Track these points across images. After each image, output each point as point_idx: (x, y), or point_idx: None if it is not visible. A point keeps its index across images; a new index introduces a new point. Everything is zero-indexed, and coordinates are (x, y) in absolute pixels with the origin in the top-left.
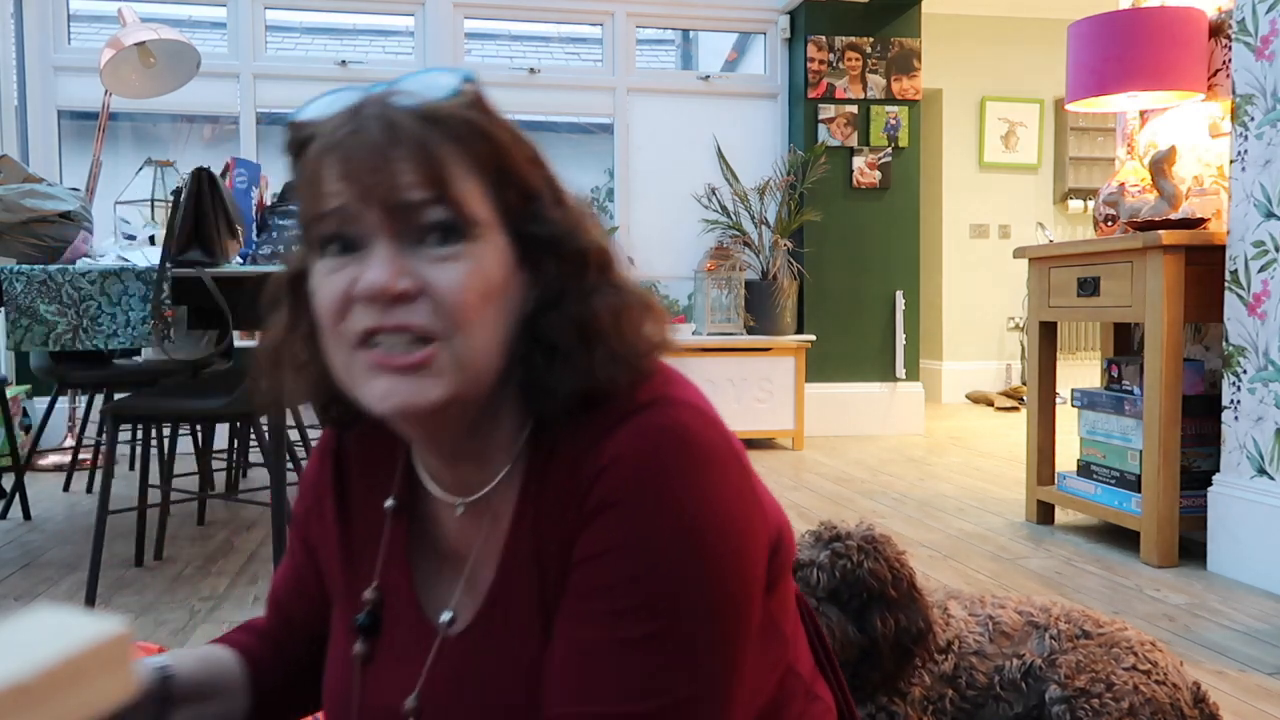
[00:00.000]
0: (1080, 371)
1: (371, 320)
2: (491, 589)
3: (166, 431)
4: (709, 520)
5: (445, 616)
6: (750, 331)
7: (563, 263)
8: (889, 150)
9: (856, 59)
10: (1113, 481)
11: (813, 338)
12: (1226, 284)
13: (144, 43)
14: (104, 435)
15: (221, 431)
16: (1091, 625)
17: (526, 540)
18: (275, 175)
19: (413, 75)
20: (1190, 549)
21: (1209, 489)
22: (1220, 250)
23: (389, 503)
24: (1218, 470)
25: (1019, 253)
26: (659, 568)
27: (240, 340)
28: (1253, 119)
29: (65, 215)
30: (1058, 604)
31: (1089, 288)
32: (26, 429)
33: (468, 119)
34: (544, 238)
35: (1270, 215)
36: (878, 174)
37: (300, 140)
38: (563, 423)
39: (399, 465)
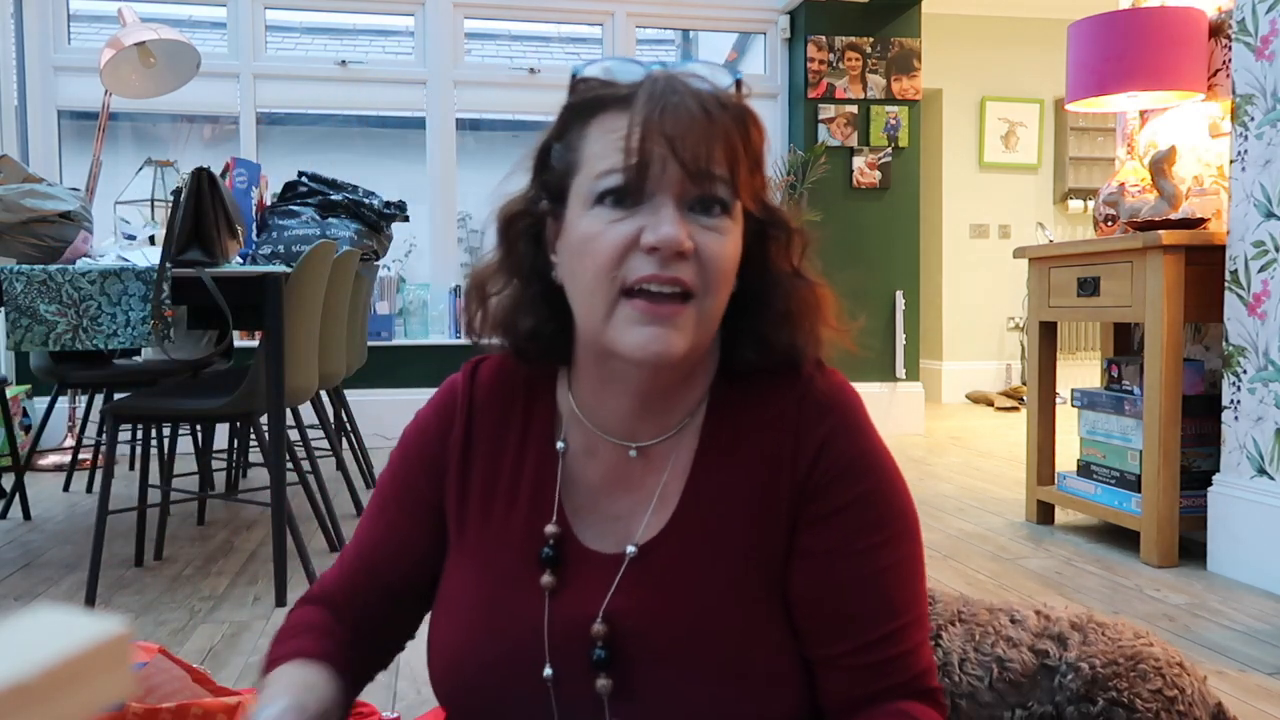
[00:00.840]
0: (1080, 371)
1: (651, 269)
2: (674, 522)
3: (166, 431)
4: (896, 467)
5: (630, 549)
6: None
7: (779, 245)
8: (889, 150)
9: (856, 59)
10: (1113, 481)
11: None
12: (1226, 284)
13: (144, 43)
14: (104, 435)
15: (221, 431)
16: (1110, 643)
17: (712, 479)
18: (275, 175)
19: (694, 62)
20: (1190, 549)
21: (1209, 489)
22: (1220, 250)
23: (560, 444)
24: (1218, 470)
25: (1019, 253)
26: (893, 506)
27: (240, 340)
28: (1253, 119)
29: (65, 215)
30: (1077, 627)
31: (1089, 288)
32: (26, 429)
33: (750, 112)
34: (769, 222)
35: (1270, 215)
36: (878, 174)
37: (604, 97)
38: (746, 384)
39: (551, 410)
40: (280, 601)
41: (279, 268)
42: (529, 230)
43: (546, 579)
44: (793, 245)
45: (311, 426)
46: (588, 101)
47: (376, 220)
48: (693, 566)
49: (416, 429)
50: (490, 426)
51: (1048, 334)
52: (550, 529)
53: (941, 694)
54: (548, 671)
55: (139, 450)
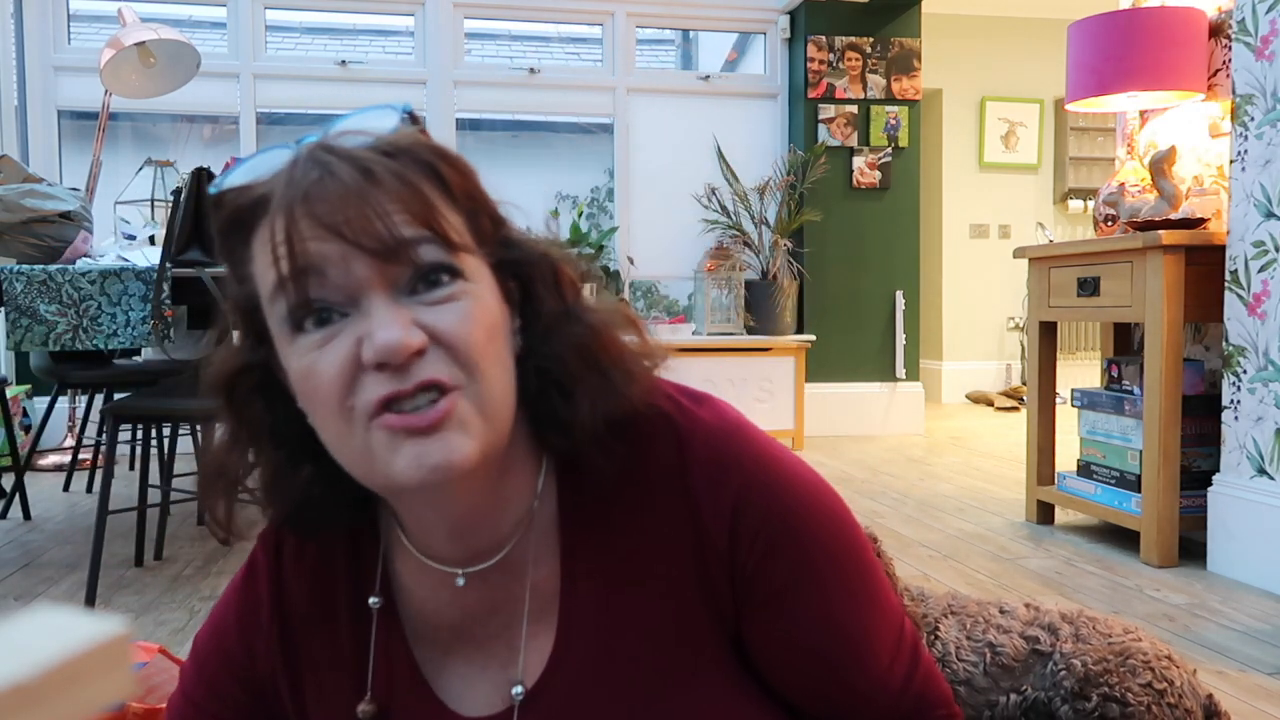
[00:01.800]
0: (1080, 371)
1: (389, 387)
2: (559, 650)
3: (166, 431)
4: (819, 490)
5: (516, 690)
6: (750, 331)
7: (544, 287)
8: (889, 150)
9: (856, 59)
10: (1113, 481)
11: (813, 338)
12: (1226, 284)
13: (144, 43)
14: (104, 435)
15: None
16: (1101, 638)
17: (592, 588)
18: None
19: (348, 116)
20: (1190, 549)
21: (1209, 489)
22: (1220, 250)
23: (374, 600)
24: (1218, 470)
25: (1019, 253)
26: (838, 546)
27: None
28: (1253, 119)
29: (65, 215)
30: (1067, 619)
31: (1089, 288)
32: (26, 429)
33: (431, 148)
34: (521, 263)
35: (1270, 215)
36: (878, 174)
37: (244, 207)
38: (598, 464)
39: (371, 558)
40: None
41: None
42: (254, 386)
43: None
44: (561, 281)
45: None
46: (232, 218)
47: None
48: (602, 697)
49: (216, 640)
50: (306, 604)
51: (1048, 334)
52: (362, 708)
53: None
54: None
55: (139, 450)
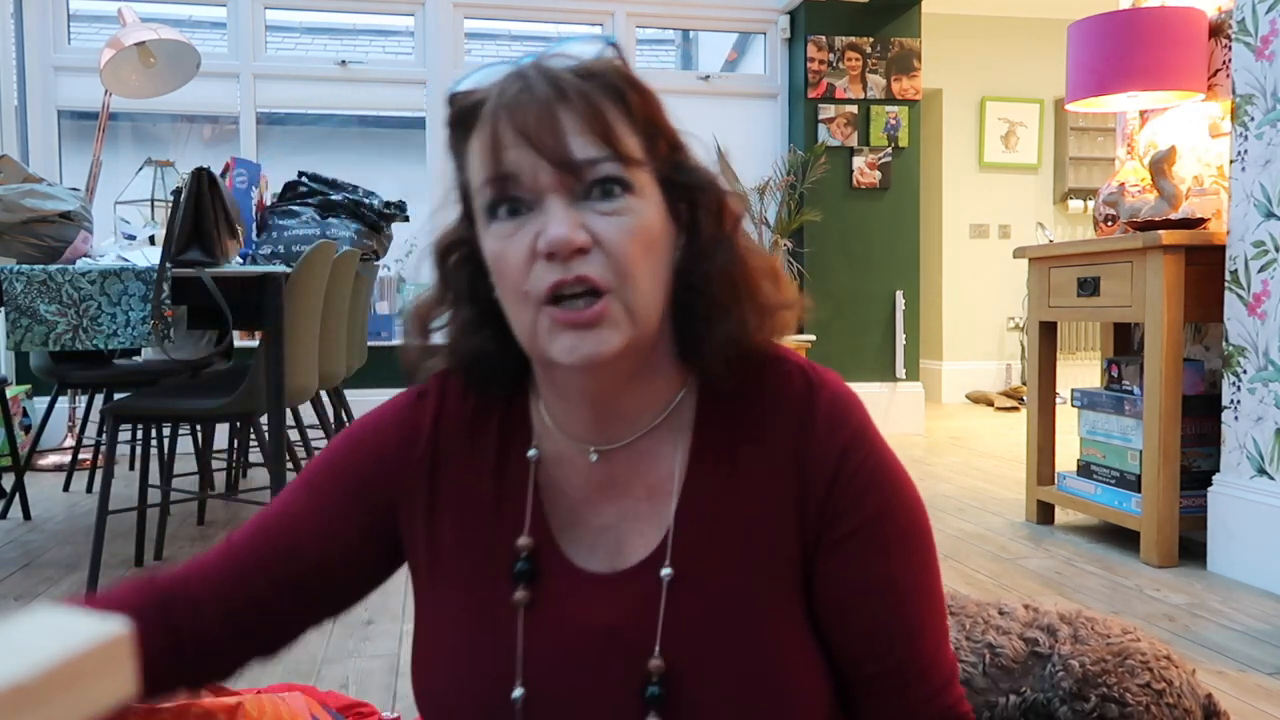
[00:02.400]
0: (1080, 371)
1: (555, 275)
2: (673, 535)
3: (166, 431)
4: (909, 478)
5: (632, 561)
6: None
7: (707, 213)
8: (889, 150)
9: (856, 59)
10: (1113, 481)
11: (813, 338)
12: (1226, 284)
13: (144, 43)
14: (104, 435)
15: (221, 431)
16: (1100, 639)
17: (711, 491)
18: (275, 175)
19: (561, 42)
20: (1190, 549)
21: (1209, 489)
22: (1220, 250)
23: (531, 453)
24: (1218, 470)
25: (1019, 253)
26: (913, 522)
27: (240, 340)
28: (1253, 119)
29: (65, 215)
30: (1066, 620)
31: (1089, 288)
32: (26, 429)
33: (621, 73)
34: (691, 187)
35: (1270, 215)
36: (878, 174)
37: (467, 108)
38: (729, 383)
39: (526, 421)
40: None
41: (279, 268)
42: (465, 257)
43: (520, 595)
44: (724, 210)
45: (311, 426)
46: (458, 118)
47: (376, 220)
48: (706, 575)
49: (374, 430)
50: (461, 443)
51: (1048, 334)
52: (522, 541)
53: (973, 716)
54: (517, 692)
55: (139, 450)
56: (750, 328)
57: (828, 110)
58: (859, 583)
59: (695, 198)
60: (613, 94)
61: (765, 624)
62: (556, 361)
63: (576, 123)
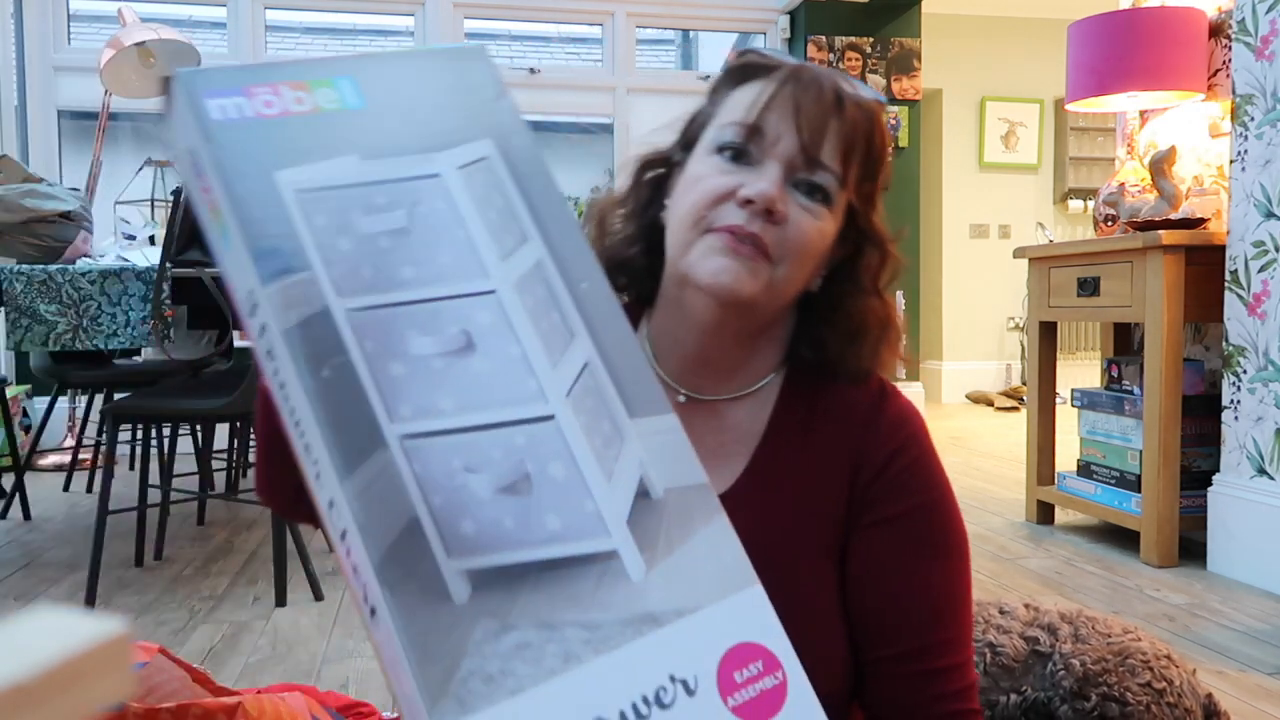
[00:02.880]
0: (1080, 371)
1: (739, 219)
2: (741, 481)
3: (166, 431)
4: (954, 497)
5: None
6: None
7: (870, 260)
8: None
9: (856, 59)
10: (1113, 481)
11: None
12: (1226, 284)
13: (144, 43)
14: (104, 435)
15: (221, 431)
16: (1100, 638)
17: (783, 452)
18: None
19: (845, 76)
20: (1190, 549)
21: (1209, 489)
22: (1220, 250)
23: None
24: (1218, 470)
25: (1019, 253)
26: (948, 526)
27: (240, 340)
28: (1253, 119)
29: (65, 215)
30: (1067, 619)
31: (1089, 288)
32: (26, 429)
33: (880, 123)
34: (866, 233)
35: (1270, 215)
36: None
37: (757, 64)
38: (821, 379)
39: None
40: (280, 601)
41: None
42: (657, 178)
43: None
44: (884, 268)
45: None
46: (741, 67)
47: None
48: (757, 528)
49: None
50: None
51: (1048, 334)
52: None
53: (981, 716)
54: None
55: (139, 450)
56: (864, 364)
57: None
58: (883, 566)
59: (865, 245)
60: (865, 129)
61: (799, 587)
62: (697, 279)
63: (836, 135)
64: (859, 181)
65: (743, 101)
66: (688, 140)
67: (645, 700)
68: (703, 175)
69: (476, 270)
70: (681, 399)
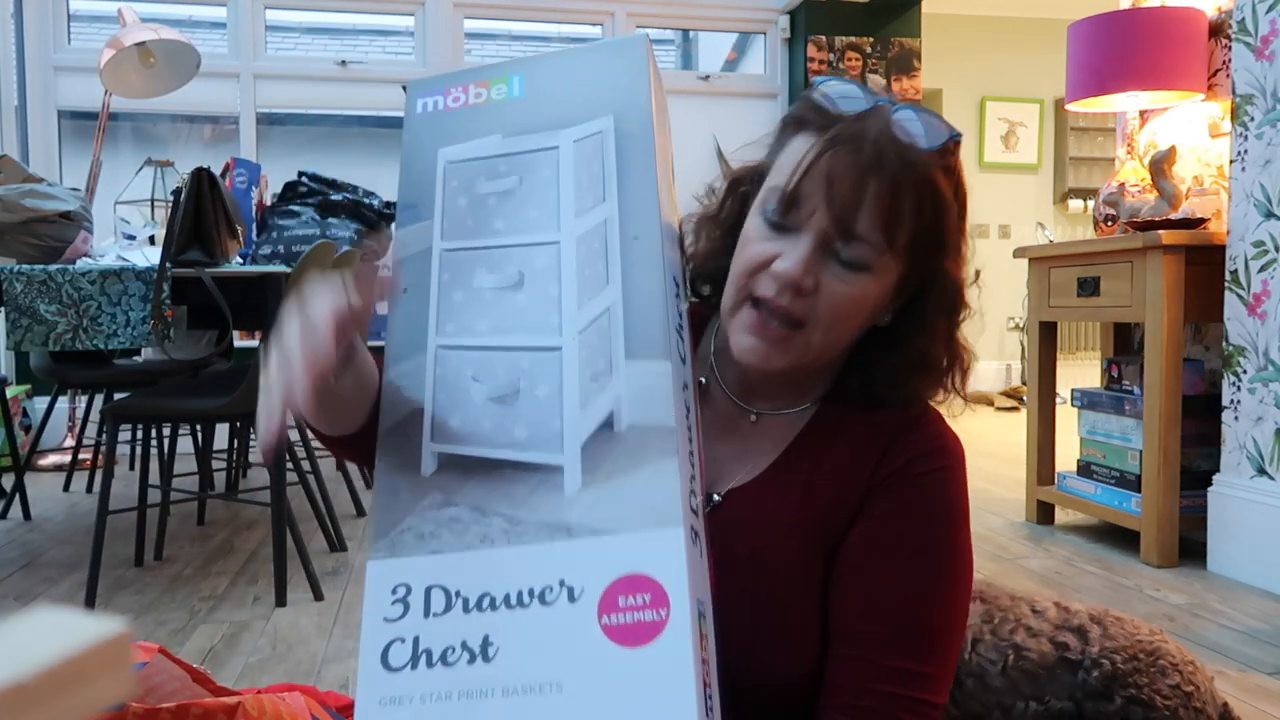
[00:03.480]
0: (1080, 371)
1: (770, 292)
2: (760, 479)
3: (166, 431)
4: (967, 524)
5: (715, 497)
6: None
7: (936, 307)
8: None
9: (856, 59)
10: (1113, 481)
11: None
12: (1226, 284)
13: (144, 43)
14: (104, 435)
15: (221, 431)
16: (1128, 637)
17: (804, 459)
18: (275, 175)
19: (916, 113)
20: (1190, 549)
21: (1209, 489)
22: (1220, 250)
23: (702, 379)
24: (1218, 470)
25: (1019, 253)
26: (953, 546)
27: (240, 340)
28: (1253, 119)
29: (65, 215)
30: (1096, 619)
31: (1089, 288)
32: (26, 429)
33: (934, 180)
34: (927, 286)
35: (1270, 215)
36: None
37: (810, 116)
38: (861, 404)
39: (695, 346)
40: (280, 601)
41: (279, 268)
42: (744, 195)
43: None
44: (956, 312)
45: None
46: (799, 116)
47: (376, 220)
48: (758, 520)
49: None
50: None
51: (1048, 334)
52: None
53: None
54: None
55: (139, 450)
56: (918, 400)
57: None
58: (871, 550)
59: (926, 296)
60: (918, 190)
61: (786, 581)
62: (732, 350)
63: (874, 201)
64: (913, 241)
65: (789, 162)
66: (762, 171)
67: (531, 593)
68: (749, 239)
69: (552, 225)
70: (753, 419)
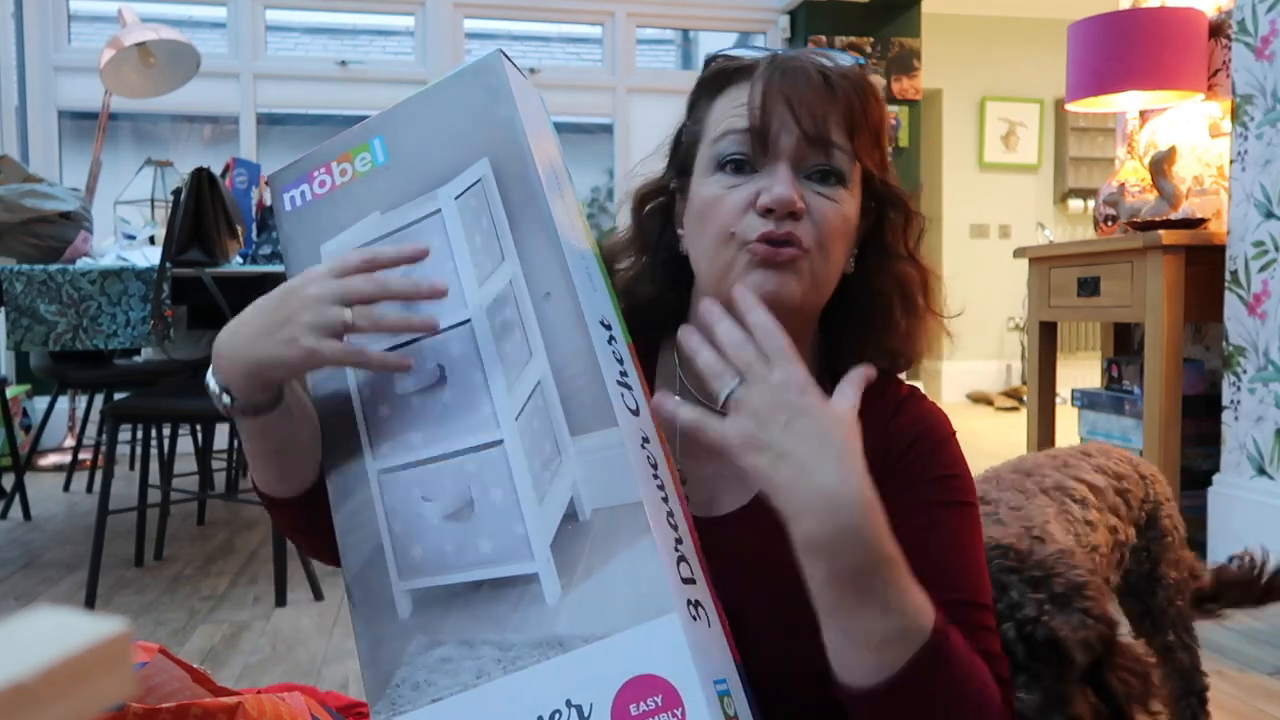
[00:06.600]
0: (1080, 371)
1: (766, 227)
2: (758, 499)
3: (166, 431)
4: (971, 478)
5: (724, 510)
6: None
7: (894, 223)
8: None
9: None
10: None
11: None
12: (1226, 284)
13: (144, 43)
14: (104, 435)
15: (221, 431)
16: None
17: None
18: None
19: (818, 50)
20: (1190, 549)
21: (1209, 489)
22: (1220, 250)
23: (675, 399)
24: (1218, 470)
25: (1019, 253)
26: (966, 478)
27: None
28: (1253, 119)
29: (65, 215)
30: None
31: (1089, 288)
32: (26, 429)
33: (869, 85)
34: (885, 198)
35: (1270, 215)
36: None
37: (731, 69)
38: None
39: (650, 369)
40: (280, 601)
41: (279, 268)
42: (659, 207)
43: None
44: (909, 228)
45: None
46: (715, 75)
47: None
48: (765, 545)
49: None
50: None
51: (1048, 334)
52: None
53: (1011, 690)
54: None
55: (139, 450)
56: (904, 343)
57: None
58: (900, 529)
59: (886, 210)
60: (860, 98)
61: (801, 599)
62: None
63: (835, 113)
64: (869, 146)
65: (730, 109)
66: (682, 165)
67: None
68: (715, 196)
69: (458, 302)
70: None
